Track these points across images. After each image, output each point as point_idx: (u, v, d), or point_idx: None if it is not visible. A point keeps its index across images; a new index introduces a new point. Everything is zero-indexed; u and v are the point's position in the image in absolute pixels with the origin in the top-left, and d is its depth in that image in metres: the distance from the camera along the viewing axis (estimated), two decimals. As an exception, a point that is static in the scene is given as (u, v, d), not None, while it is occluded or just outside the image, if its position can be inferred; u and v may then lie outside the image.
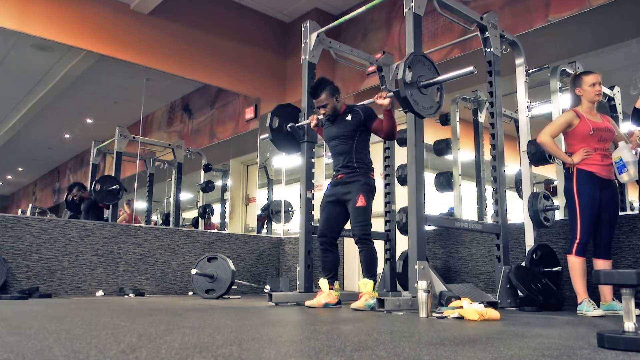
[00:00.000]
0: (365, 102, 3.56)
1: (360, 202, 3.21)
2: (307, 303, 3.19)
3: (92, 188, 5.58)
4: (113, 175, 5.83)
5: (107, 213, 5.80)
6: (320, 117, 3.46)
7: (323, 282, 3.26)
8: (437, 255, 4.63)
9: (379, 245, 4.60)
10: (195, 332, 1.63)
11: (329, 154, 3.61)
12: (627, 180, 3.06)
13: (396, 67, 2.86)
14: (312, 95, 3.41)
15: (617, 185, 3.22)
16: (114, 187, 5.62)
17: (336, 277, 3.32)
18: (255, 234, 6.55)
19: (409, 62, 2.88)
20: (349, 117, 3.36)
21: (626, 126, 4.31)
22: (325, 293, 3.20)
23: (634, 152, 3.07)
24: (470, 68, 2.81)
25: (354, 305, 2.97)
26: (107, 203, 5.70)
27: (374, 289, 3.06)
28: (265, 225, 6.47)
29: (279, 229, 6.35)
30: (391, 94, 3.08)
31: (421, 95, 2.93)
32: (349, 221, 3.36)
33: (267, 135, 3.75)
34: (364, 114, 3.33)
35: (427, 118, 3.05)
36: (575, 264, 3.02)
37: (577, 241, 3.01)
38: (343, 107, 3.45)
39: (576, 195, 3.04)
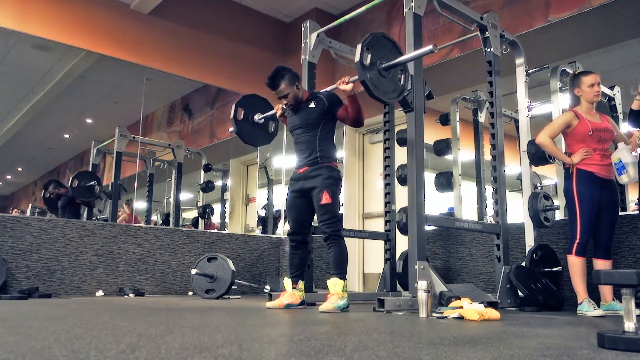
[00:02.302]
0: (328, 88, 3.37)
1: (325, 199, 3.04)
2: (268, 305, 3.11)
3: (69, 184, 5.57)
4: (90, 170, 5.81)
5: (84, 210, 5.78)
6: (285, 106, 3.30)
7: (287, 282, 3.15)
8: (437, 255, 4.63)
9: (379, 245, 4.62)
10: (195, 332, 1.63)
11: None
12: (627, 181, 3.04)
13: (359, 54, 2.63)
14: (270, 87, 3.20)
15: (617, 185, 3.22)
16: (91, 183, 5.59)
17: (301, 276, 3.19)
18: (254, 234, 6.55)
19: (367, 43, 2.68)
20: (312, 105, 3.18)
21: (626, 126, 4.31)
22: (288, 293, 3.11)
23: (633, 153, 3.06)
24: (430, 47, 2.65)
25: (322, 307, 2.82)
26: (84, 199, 5.67)
27: (343, 289, 2.92)
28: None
29: (279, 228, 6.36)
30: (354, 78, 2.86)
31: (382, 79, 2.73)
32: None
33: (232, 128, 3.59)
34: (327, 101, 3.16)
35: (390, 102, 2.87)
36: (575, 264, 3.02)
37: (576, 241, 3.02)
38: (306, 94, 3.27)
39: (576, 196, 3.04)
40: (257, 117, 3.62)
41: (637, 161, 3.04)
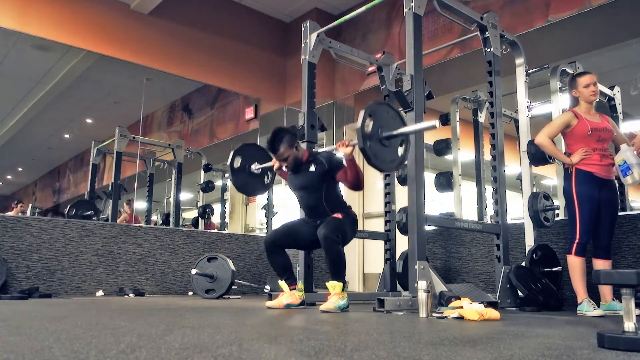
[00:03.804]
0: (327, 148, 3.34)
1: (337, 215, 3.07)
2: (268, 304, 3.10)
3: (67, 212, 5.53)
4: (88, 200, 5.82)
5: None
6: (284, 169, 3.29)
7: (282, 283, 3.14)
8: (437, 255, 4.63)
9: (379, 245, 4.62)
10: (195, 332, 1.63)
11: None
12: (631, 183, 3.02)
13: (361, 121, 2.61)
14: (270, 151, 3.19)
15: (617, 185, 3.22)
16: (88, 212, 5.57)
17: (293, 277, 3.16)
18: (254, 234, 6.55)
19: (370, 111, 2.67)
20: (312, 168, 3.16)
21: (626, 126, 4.31)
22: (287, 293, 3.10)
23: (635, 153, 3.04)
24: (434, 123, 2.65)
25: (323, 307, 2.82)
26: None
27: (343, 290, 2.92)
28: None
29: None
30: (354, 142, 2.83)
31: (382, 148, 2.71)
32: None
33: (229, 177, 3.55)
34: (328, 164, 3.13)
35: (387, 172, 2.82)
36: (574, 264, 3.02)
37: (576, 241, 3.02)
38: (305, 154, 3.24)
39: (575, 196, 3.04)
40: (254, 167, 3.59)
41: (638, 162, 3.00)
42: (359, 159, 3.15)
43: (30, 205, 7.40)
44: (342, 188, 3.26)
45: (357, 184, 3.04)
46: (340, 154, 2.96)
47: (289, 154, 3.14)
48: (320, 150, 3.39)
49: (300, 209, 3.36)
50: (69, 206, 5.59)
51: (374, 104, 2.76)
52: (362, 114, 2.63)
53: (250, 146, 3.71)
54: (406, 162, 3.00)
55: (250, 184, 3.66)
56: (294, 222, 3.31)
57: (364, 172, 3.14)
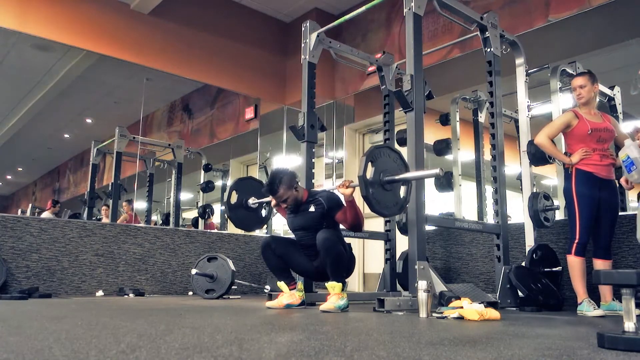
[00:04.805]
0: (327, 188, 3.29)
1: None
2: (268, 304, 3.11)
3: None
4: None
5: (83, 210, 5.74)
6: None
7: (281, 284, 3.14)
8: (437, 255, 4.63)
9: (379, 245, 4.62)
10: (195, 332, 1.63)
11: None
12: (637, 179, 2.85)
13: (362, 168, 2.59)
14: (270, 193, 3.17)
15: (617, 185, 3.22)
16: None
17: (291, 277, 3.16)
18: (254, 234, 6.55)
19: (371, 156, 2.63)
20: (312, 209, 3.13)
21: (626, 126, 4.31)
22: (287, 294, 3.10)
23: None
24: (437, 171, 2.63)
25: (323, 307, 2.82)
26: None
27: (343, 290, 2.93)
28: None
29: (279, 228, 6.35)
30: (354, 183, 2.79)
31: (384, 192, 2.69)
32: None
33: (225, 212, 3.56)
34: (327, 205, 3.09)
35: (389, 216, 2.74)
36: (574, 263, 3.02)
37: (576, 241, 3.02)
38: (305, 194, 3.22)
39: (575, 196, 3.04)
40: (252, 201, 3.57)
41: None
42: (359, 199, 3.14)
43: (30, 205, 7.40)
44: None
45: (356, 225, 3.02)
46: (341, 196, 2.93)
47: (288, 196, 3.12)
48: (320, 189, 3.37)
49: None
50: (68, 215, 5.60)
51: (374, 149, 2.73)
52: (363, 160, 2.61)
53: (247, 180, 3.69)
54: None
55: (248, 219, 3.65)
56: (295, 244, 3.25)
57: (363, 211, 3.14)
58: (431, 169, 2.71)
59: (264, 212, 3.71)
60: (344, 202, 2.99)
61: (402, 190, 2.82)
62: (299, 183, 3.28)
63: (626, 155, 2.82)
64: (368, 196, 2.60)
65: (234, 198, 3.52)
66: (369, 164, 2.63)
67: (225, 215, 3.51)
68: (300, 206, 3.19)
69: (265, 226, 6.41)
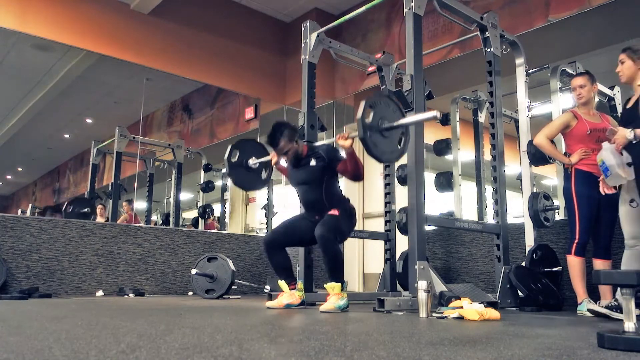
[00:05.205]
0: (326, 141, 3.33)
1: (333, 212, 3.06)
2: (268, 304, 3.10)
3: (64, 209, 5.53)
4: (85, 197, 5.81)
5: None
6: (283, 162, 3.29)
7: (282, 283, 3.13)
8: (437, 255, 4.63)
9: (379, 245, 4.62)
10: (195, 332, 1.63)
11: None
12: (614, 184, 2.83)
13: (361, 112, 2.61)
14: (270, 145, 3.18)
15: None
16: (85, 209, 5.56)
17: (292, 276, 3.17)
18: (254, 234, 6.55)
19: (371, 102, 2.70)
20: (313, 163, 3.16)
21: (626, 126, 4.30)
22: (287, 293, 3.09)
23: (616, 151, 2.74)
24: (434, 113, 2.65)
25: (323, 307, 2.82)
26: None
27: (342, 290, 2.93)
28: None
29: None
30: (354, 134, 2.84)
31: (382, 139, 2.72)
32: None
33: (225, 170, 3.55)
34: (327, 157, 3.14)
35: (386, 163, 2.79)
36: (574, 263, 3.02)
37: (576, 241, 3.02)
38: (305, 148, 3.25)
39: (574, 196, 3.04)
40: (252, 161, 3.58)
41: (622, 161, 2.74)
42: (359, 151, 3.15)
43: (30, 205, 7.40)
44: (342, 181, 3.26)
45: (357, 175, 3.05)
46: (341, 150, 2.96)
47: (289, 148, 3.15)
48: (319, 144, 3.39)
49: (300, 205, 3.35)
50: (66, 203, 5.60)
51: (375, 95, 2.78)
52: (362, 104, 2.65)
53: (248, 142, 3.70)
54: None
55: (248, 179, 3.64)
56: (293, 219, 3.31)
57: (364, 164, 3.15)
58: (428, 112, 2.74)
59: (264, 176, 3.70)
60: (343, 155, 3.02)
61: (400, 142, 2.84)
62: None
63: (601, 160, 2.79)
64: (366, 139, 2.63)
65: (234, 157, 3.52)
66: (368, 109, 2.66)
67: (229, 179, 3.46)
68: (301, 160, 3.22)
69: (266, 225, 6.44)
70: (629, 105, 2.80)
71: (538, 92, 4.28)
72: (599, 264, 3.07)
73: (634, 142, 2.60)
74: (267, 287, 4.93)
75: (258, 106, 6.85)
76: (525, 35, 4.45)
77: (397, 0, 5.79)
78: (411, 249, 2.96)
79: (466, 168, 5.02)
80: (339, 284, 2.93)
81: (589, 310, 2.85)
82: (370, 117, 2.67)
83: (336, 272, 2.97)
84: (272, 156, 3.38)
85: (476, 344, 1.50)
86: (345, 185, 5.83)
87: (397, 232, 4.26)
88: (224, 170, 7.01)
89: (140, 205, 6.62)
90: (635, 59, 2.85)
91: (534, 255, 3.56)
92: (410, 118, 2.83)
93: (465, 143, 5.10)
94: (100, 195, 6.18)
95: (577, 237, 3.02)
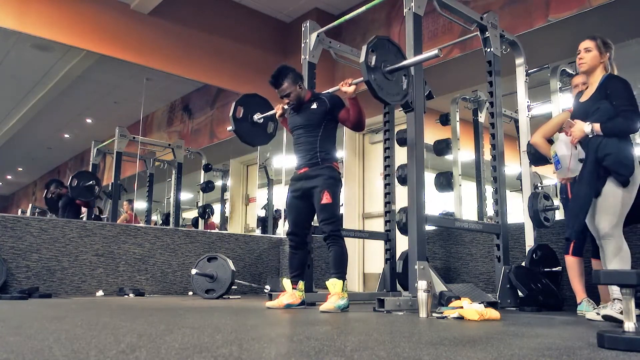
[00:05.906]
0: (330, 89, 3.35)
1: (326, 199, 3.03)
2: (268, 304, 3.11)
3: (69, 183, 5.57)
4: (89, 170, 5.84)
5: (84, 212, 5.77)
6: (286, 106, 3.28)
7: (286, 282, 3.15)
8: (437, 255, 4.63)
9: (379, 245, 4.62)
10: (195, 332, 1.63)
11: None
12: (561, 177, 2.74)
13: (364, 55, 2.65)
14: (273, 85, 3.17)
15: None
16: (90, 182, 5.59)
17: (301, 276, 3.18)
18: (254, 234, 6.55)
19: (372, 45, 2.69)
20: (314, 106, 3.16)
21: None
22: (289, 293, 3.10)
23: (570, 144, 2.61)
24: (435, 51, 2.67)
25: (323, 307, 2.82)
26: (83, 200, 5.67)
27: (343, 289, 2.93)
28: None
29: (279, 228, 6.35)
30: (357, 80, 2.85)
31: (386, 81, 2.74)
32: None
33: (230, 127, 3.54)
34: (330, 103, 3.14)
35: (393, 105, 2.86)
36: (572, 264, 3.03)
37: (573, 241, 3.01)
38: (308, 94, 3.25)
39: (572, 196, 3.03)
40: (257, 116, 3.60)
41: (575, 155, 2.61)
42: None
43: (30, 205, 7.40)
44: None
45: (359, 123, 3.09)
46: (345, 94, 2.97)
47: (291, 90, 3.15)
48: (323, 92, 3.38)
49: (295, 157, 3.28)
50: (71, 177, 5.64)
51: (375, 39, 2.76)
52: (364, 48, 2.64)
53: (251, 96, 3.68)
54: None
55: (253, 133, 3.64)
56: (290, 203, 3.26)
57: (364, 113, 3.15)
58: (429, 51, 2.74)
59: (269, 130, 3.72)
60: (346, 103, 3.02)
61: (404, 84, 2.86)
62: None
63: (554, 152, 2.71)
64: (370, 81, 2.63)
65: (239, 113, 3.52)
66: (370, 51, 2.65)
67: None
68: (303, 104, 3.21)
69: (266, 225, 6.44)
70: (582, 99, 2.71)
71: (538, 92, 4.28)
72: (597, 264, 3.07)
73: (591, 136, 2.51)
74: (267, 287, 4.93)
75: (258, 106, 6.85)
76: (525, 35, 4.45)
77: (397, 0, 5.79)
78: (411, 249, 2.96)
79: (466, 168, 5.02)
80: (341, 282, 2.94)
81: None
82: (373, 61, 2.67)
83: (340, 268, 3.00)
84: (277, 109, 3.38)
85: (476, 344, 1.50)
86: (345, 184, 5.83)
87: (397, 232, 4.26)
88: (226, 178, 7.04)
89: (140, 205, 6.62)
90: (603, 52, 2.66)
91: (534, 255, 3.56)
92: (413, 59, 2.84)
93: (465, 143, 5.10)
94: (100, 196, 6.18)
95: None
